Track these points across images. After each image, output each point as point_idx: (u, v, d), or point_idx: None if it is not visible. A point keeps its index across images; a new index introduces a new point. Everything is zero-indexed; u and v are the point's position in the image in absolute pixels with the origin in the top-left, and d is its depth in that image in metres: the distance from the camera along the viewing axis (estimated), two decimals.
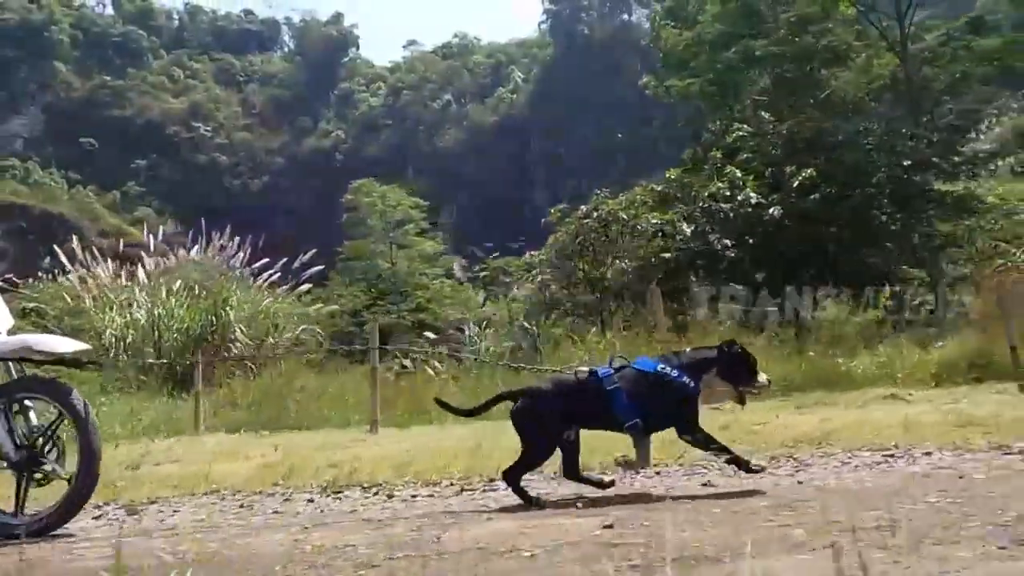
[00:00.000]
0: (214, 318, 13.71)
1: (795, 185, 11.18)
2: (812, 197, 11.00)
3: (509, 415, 3.86)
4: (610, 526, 2.64)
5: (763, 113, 12.64)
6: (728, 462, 3.77)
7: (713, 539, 2.29)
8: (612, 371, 3.92)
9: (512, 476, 3.73)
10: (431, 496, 3.78)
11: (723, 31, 15.10)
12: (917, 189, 12.36)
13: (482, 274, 16.54)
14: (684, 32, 16.14)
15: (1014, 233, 17.39)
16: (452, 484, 4.09)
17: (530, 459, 3.77)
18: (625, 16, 79.05)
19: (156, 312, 13.90)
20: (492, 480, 4.06)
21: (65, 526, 3.72)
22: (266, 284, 15.95)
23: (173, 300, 14.25)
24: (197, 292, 15.26)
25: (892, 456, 4.13)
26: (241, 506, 3.88)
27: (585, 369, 4.07)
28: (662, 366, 3.88)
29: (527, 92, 79.70)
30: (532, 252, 14.98)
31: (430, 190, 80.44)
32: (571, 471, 3.84)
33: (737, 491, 3.45)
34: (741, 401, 3.99)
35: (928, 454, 4.07)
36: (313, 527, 3.08)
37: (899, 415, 5.24)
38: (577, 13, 79.66)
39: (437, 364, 14.23)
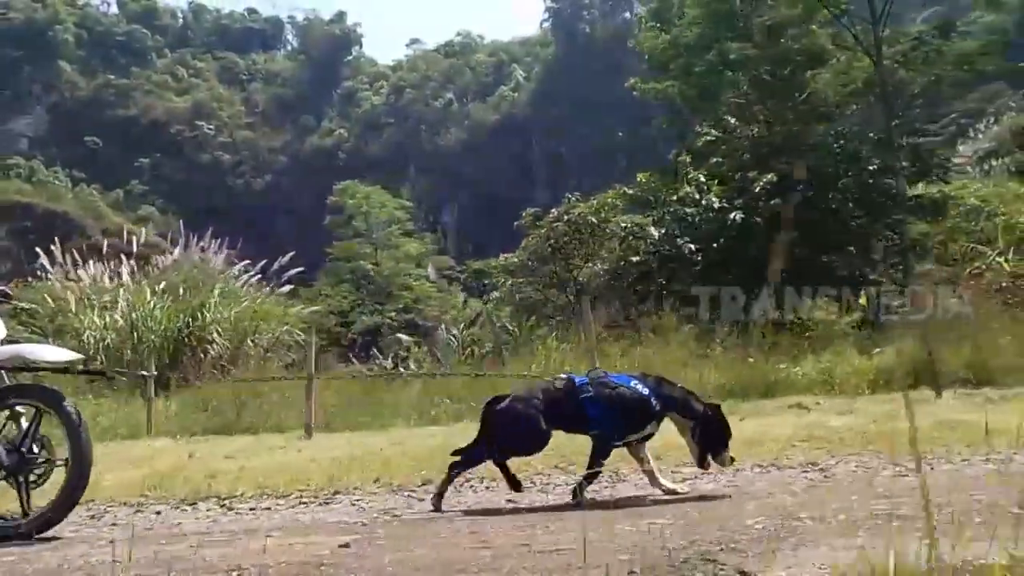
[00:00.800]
0: (191, 320, 13.82)
1: (756, 190, 11.23)
2: (774, 202, 11.05)
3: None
4: (346, 545, 2.70)
5: (729, 118, 12.68)
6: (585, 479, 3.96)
7: (420, 559, 2.37)
8: (587, 380, 4.16)
9: (502, 467, 3.99)
10: (268, 509, 3.86)
11: (700, 34, 15.15)
12: (884, 193, 12.38)
13: (463, 276, 16.67)
14: (662, 35, 16.19)
15: (994, 235, 17.39)
16: (299, 497, 4.17)
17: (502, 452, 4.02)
18: (627, 15, 78.89)
19: (133, 314, 14.01)
20: (337, 492, 4.18)
21: None
22: (248, 285, 16.06)
23: (152, 302, 14.37)
24: (181, 294, 15.41)
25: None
26: None
27: (563, 376, 4.29)
28: (635, 382, 4.05)
29: (528, 91, 79.69)
30: (506, 255, 15.06)
31: (431, 189, 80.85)
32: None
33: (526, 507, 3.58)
34: (702, 464, 4.07)
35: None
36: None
37: (756, 428, 5.32)
38: (579, 11, 79.62)
39: (413, 365, 14.37)
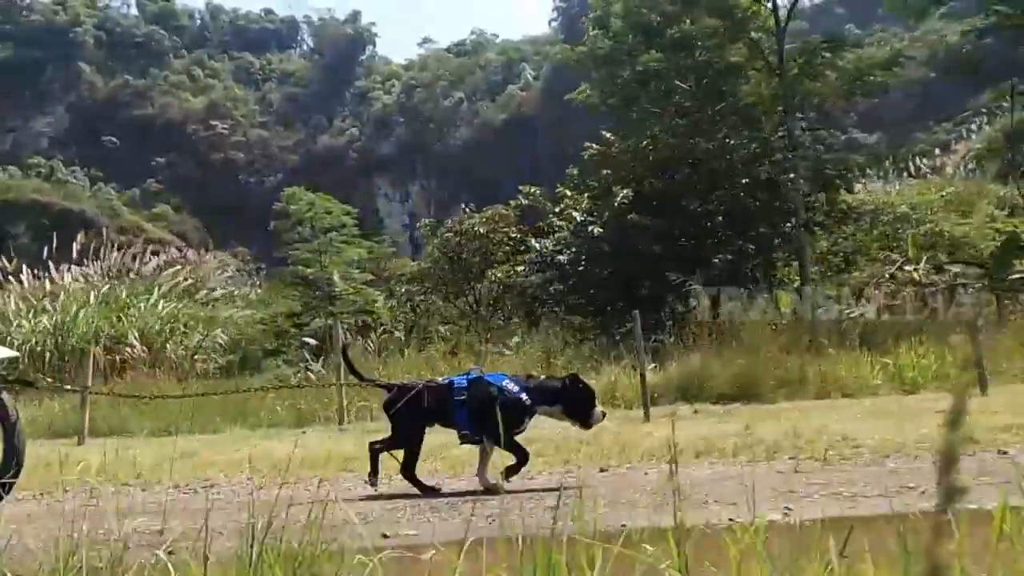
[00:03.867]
0: (108, 325, 14.39)
1: (615, 204, 11.47)
2: (630, 216, 11.27)
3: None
4: None
5: (605, 133, 12.94)
6: (511, 474, 4.35)
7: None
8: (465, 381, 4.53)
9: (408, 474, 4.40)
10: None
11: (614, 46, 15.38)
12: (771, 204, 12.57)
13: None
14: (577, 47, 16.42)
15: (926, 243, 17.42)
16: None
17: (408, 447, 4.45)
18: None
19: (56, 319, 14.63)
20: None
21: None
22: (180, 290, 16.67)
23: (74, 307, 14.97)
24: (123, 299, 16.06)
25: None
26: None
27: (443, 379, 4.76)
28: (507, 382, 4.48)
29: (537, 89, 79.87)
30: (414, 259, 15.44)
31: (440, 188, 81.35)
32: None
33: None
34: (586, 428, 4.54)
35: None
36: None
37: None
38: (586, 10, 79.50)
39: (320, 369, 14.84)
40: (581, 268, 11.28)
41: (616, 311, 10.67)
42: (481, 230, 12.74)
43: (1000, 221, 15.63)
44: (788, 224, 12.97)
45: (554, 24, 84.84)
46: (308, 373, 14.55)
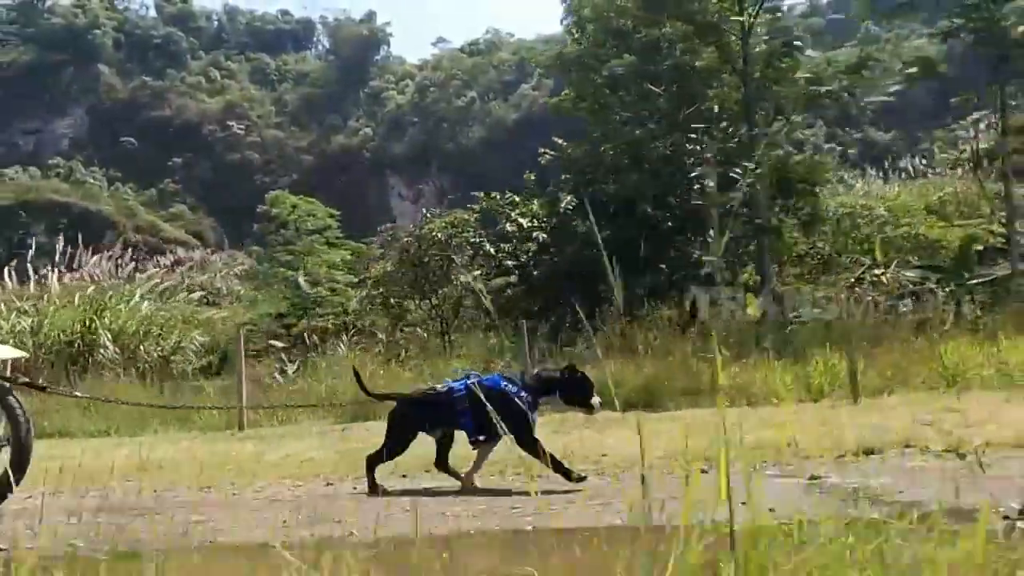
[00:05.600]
0: (81, 326, 14.68)
1: (559, 210, 11.54)
2: (574, 223, 11.35)
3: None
4: None
5: (556, 139, 13.01)
6: (555, 471, 4.46)
7: None
8: (463, 386, 4.73)
9: (371, 463, 4.68)
10: None
11: (583, 50, 15.45)
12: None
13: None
14: (546, 53, 16.50)
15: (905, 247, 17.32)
16: None
17: (389, 450, 4.71)
18: None
19: (33, 320, 14.95)
20: None
21: None
22: (158, 292, 16.96)
23: (51, 308, 15.28)
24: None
25: None
26: None
27: (442, 386, 5.04)
28: (505, 383, 4.71)
29: (549, 89, 79.86)
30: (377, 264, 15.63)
31: (453, 187, 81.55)
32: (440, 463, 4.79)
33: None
34: (587, 410, 4.73)
35: None
36: None
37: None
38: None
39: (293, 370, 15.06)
40: (527, 273, 11.39)
41: (560, 317, 10.76)
42: (439, 236, 12.91)
43: (951, 223, 15.57)
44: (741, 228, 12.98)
45: (565, 23, 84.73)
46: (277, 376, 14.78)
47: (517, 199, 12.47)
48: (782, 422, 5.01)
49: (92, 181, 77.97)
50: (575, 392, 4.67)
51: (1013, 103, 15.17)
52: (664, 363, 7.98)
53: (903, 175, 33.33)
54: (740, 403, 7.11)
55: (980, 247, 17.16)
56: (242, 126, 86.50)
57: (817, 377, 7.61)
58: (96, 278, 23.43)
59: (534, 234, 11.57)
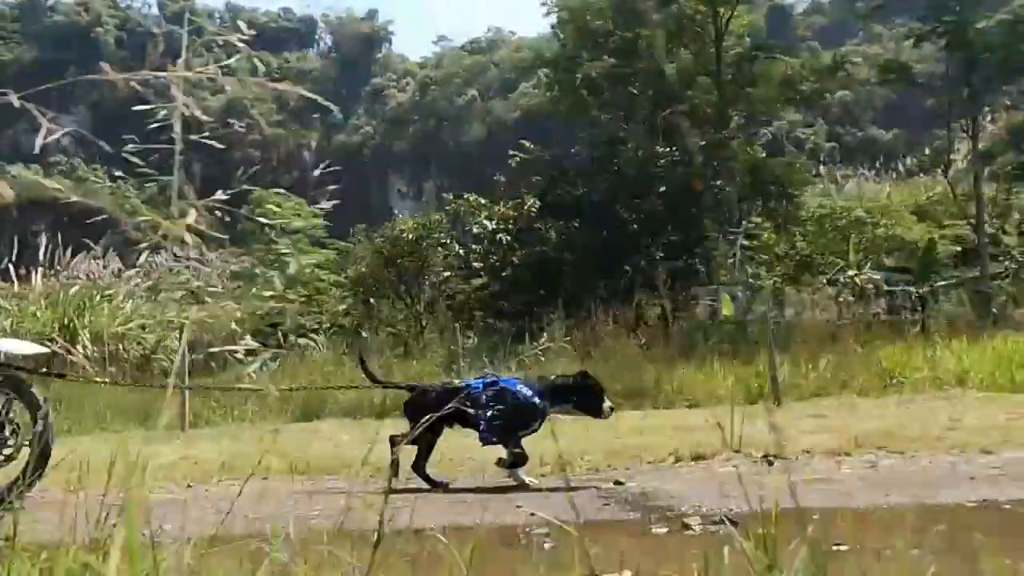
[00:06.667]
0: (60, 326, 14.81)
1: (524, 212, 11.64)
2: (536, 226, 11.45)
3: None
4: None
5: (524, 142, 13.12)
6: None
7: None
8: (481, 384, 4.88)
9: (418, 465, 4.76)
10: None
11: (558, 51, 15.54)
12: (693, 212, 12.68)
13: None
14: (521, 51, 16.55)
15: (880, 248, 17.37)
16: None
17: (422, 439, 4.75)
18: None
19: (13, 320, 15.09)
20: None
21: None
22: (144, 291, 17.09)
23: (32, 308, 15.43)
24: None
25: None
26: None
27: (460, 382, 5.22)
28: (520, 386, 4.87)
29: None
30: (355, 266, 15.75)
31: (453, 186, 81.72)
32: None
33: None
34: (597, 416, 4.91)
35: None
36: None
37: None
38: None
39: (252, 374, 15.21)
40: (496, 274, 11.48)
41: (530, 318, 10.83)
42: (410, 236, 13.02)
43: (940, 224, 15.63)
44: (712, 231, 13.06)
45: (545, 23, 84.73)
46: (251, 375, 14.89)
47: (483, 201, 12.59)
48: (681, 425, 5.12)
49: (94, 178, 78.20)
50: (588, 397, 4.83)
51: (987, 109, 15.22)
52: (607, 365, 8.08)
53: (895, 175, 33.30)
54: (680, 404, 7.20)
55: (958, 249, 17.21)
56: (243, 124, 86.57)
57: (756, 379, 7.69)
58: (92, 276, 23.64)
59: (498, 236, 11.69)
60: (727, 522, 3.05)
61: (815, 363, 8.00)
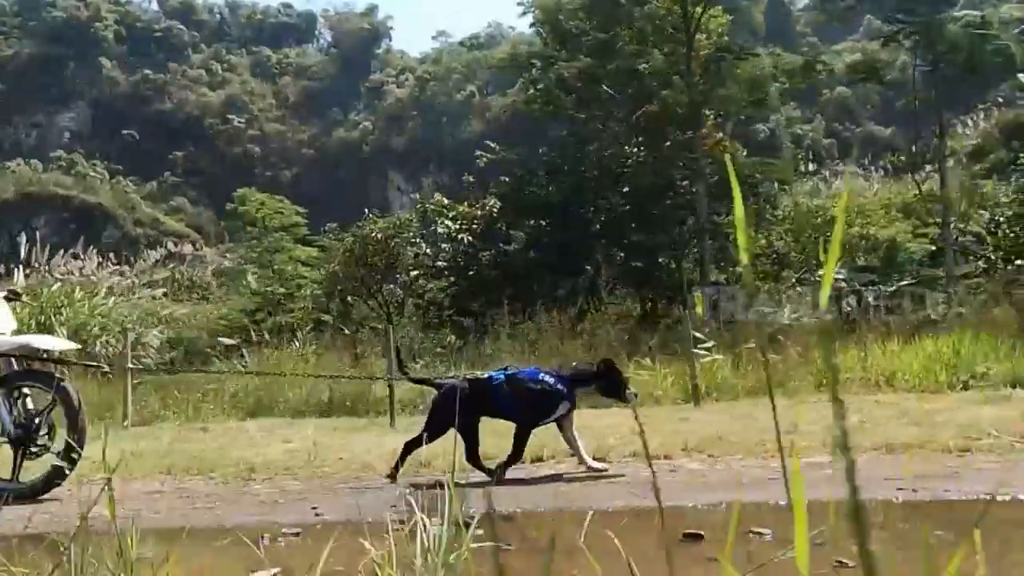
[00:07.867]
0: (37, 324, 14.97)
1: (486, 213, 11.75)
2: (498, 226, 11.54)
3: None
4: None
5: (491, 143, 13.21)
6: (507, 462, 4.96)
7: None
8: (503, 375, 5.14)
9: (408, 448, 5.04)
10: None
11: (531, 51, 15.63)
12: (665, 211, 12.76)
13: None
14: (517, 48, 16.69)
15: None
16: None
17: (429, 435, 4.89)
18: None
19: None
20: None
21: None
22: (118, 289, 17.28)
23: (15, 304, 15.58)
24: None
25: None
26: None
27: (483, 374, 5.49)
28: (543, 375, 5.14)
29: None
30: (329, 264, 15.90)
31: (453, 181, 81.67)
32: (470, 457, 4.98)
33: None
34: (622, 401, 5.19)
35: None
36: None
37: None
38: None
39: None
40: (461, 274, 11.60)
41: (487, 316, 10.95)
42: (379, 236, 13.13)
43: (887, 225, 15.73)
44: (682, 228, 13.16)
45: (523, 21, 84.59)
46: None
47: (446, 201, 12.70)
48: (581, 426, 5.25)
49: (94, 174, 78.41)
50: (610, 385, 5.06)
51: (952, 112, 15.32)
52: (548, 363, 8.18)
53: (884, 172, 33.29)
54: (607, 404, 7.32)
55: (932, 248, 17.27)
56: (242, 119, 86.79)
57: (704, 380, 7.81)
58: (76, 273, 23.80)
59: (459, 236, 11.80)
60: None
61: (756, 363, 8.12)
